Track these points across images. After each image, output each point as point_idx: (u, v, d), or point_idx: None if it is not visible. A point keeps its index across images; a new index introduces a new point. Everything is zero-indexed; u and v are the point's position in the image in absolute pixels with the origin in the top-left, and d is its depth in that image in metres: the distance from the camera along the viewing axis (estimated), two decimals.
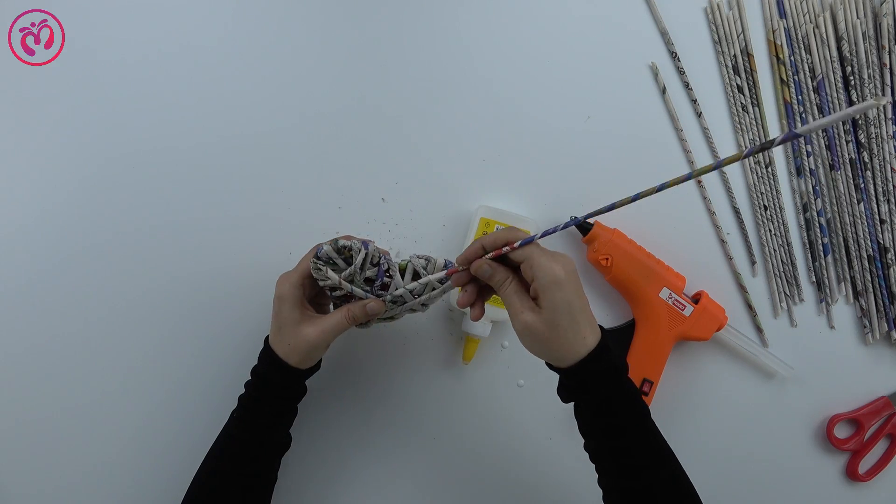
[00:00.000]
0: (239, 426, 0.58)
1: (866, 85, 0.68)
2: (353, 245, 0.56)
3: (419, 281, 0.57)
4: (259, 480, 0.58)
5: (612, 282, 0.68)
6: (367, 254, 0.56)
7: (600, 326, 0.52)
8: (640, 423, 0.51)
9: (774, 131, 0.71)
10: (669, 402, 0.70)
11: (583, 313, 0.50)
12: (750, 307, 0.71)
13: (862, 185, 0.70)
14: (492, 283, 0.53)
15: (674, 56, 0.70)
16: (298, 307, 0.56)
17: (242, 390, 0.59)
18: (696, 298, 0.68)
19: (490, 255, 0.52)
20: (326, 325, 0.55)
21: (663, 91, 0.70)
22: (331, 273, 0.55)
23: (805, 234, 0.71)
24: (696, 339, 0.67)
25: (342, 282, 0.56)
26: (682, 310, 0.66)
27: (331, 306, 0.62)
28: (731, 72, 0.70)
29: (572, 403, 0.53)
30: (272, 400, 0.57)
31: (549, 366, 0.53)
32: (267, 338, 0.59)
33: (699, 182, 0.70)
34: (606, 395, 0.50)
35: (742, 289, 0.71)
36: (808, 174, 0.70)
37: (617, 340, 0.68)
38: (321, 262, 0.56)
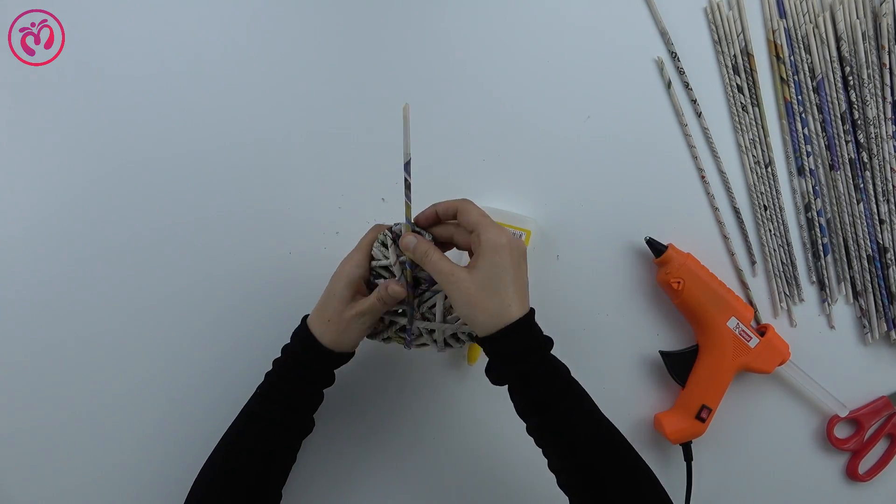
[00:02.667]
0: (262, 403, 0.57)
1: (865, 85, 0.69)
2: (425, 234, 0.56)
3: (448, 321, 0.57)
4: (278, 460, 0.57)
5: (679, 306, 0.68)
6: None
7: (531, 309, 0.53)
8: (565, 398, 0.52)
9: (774, 131, 0.71)
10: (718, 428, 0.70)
11: (514, 284, 0.51)
12: (751, 304, 0.71)
13: (861, 185, 0.70)
14: (415, 256, 0.54)
15: (674, 56, 0.70)
16: (352, 287, 0.55)
17: (247, 389, 0.58)
18: (761, 331, 0.68)
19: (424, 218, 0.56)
20: (360, 306, 0.55)
21: (668, 85, 0.70)
22: (391, 252, 0.55)
23: (805, 234, 0.71)
24: (758, 372, 0.68)
25: (395, 264, 0.55)
26: (748, 341, 0.67)
27: None
28: (731, 72, 0.70)
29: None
30: (298, 381, 0.57)
31: (476, 339, 0.54)
32: (305, 317, 0.58)
33: (703, 178, 0.70)
34: (525, 370, 0.51)
35: (744, 286, 0.71)
36: (808, 174, 0.70)
37: (679, 364, 0.68)
38: (390, 237, 0.56)
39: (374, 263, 0.57)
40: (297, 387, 0.57)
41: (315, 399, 0.59)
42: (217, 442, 0.58)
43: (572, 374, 0.54)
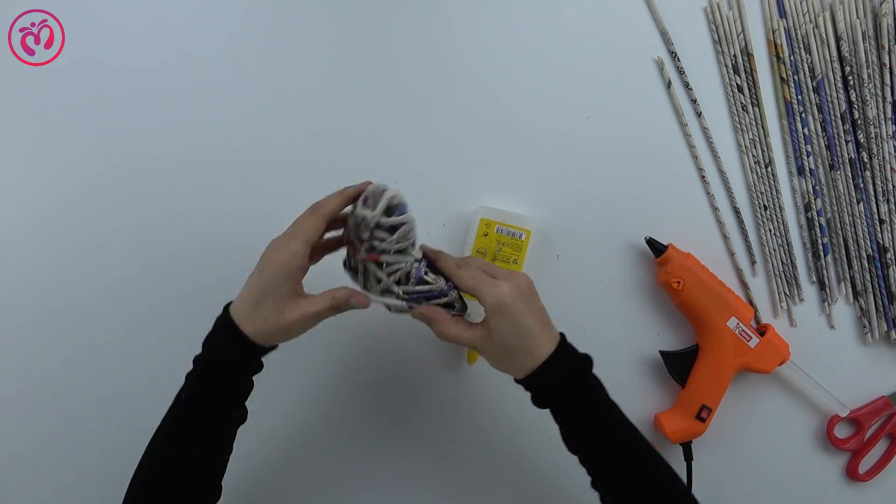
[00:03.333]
0: (190, 408, 0.52)
1: (865, 85, 0.68)
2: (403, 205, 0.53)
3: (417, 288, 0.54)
4: (212, 460, 0.54)
5: (680, 305, 0.68)
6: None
7: (561, 334, 0.54)
8: (604, 425, 0.53)
9: (774, 131, 0.71)
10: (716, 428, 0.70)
11: (534, 325, 0.52)
12: (751, 304, 0.71)
13: (861, 185, 0.70)
14: (432, 328, 0.54)
15: (674, 56, 0.70)
16: (290, 282, 0.50)
17: None
18: (761, 331, 0.68)
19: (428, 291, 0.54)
20: (308, 310, 0.51)
21: (668, 85, 0.70)
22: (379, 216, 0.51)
23: (805, 233, 0.71)
24: (758, 371, 0.68)
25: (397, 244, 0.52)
26: (748, 341, 0.67)
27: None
28: (731, 72, 0.70)
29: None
30: (227, 377, 0.52)
31: (515, 380, 0.55)
32: (227, 306, 0.52)
33: (703, 178, 0.70)
34: (566, 401, 0.52)
35: (744, 286, 0.71)
36: (808, 174, 0.70)
37: (679, 364, 0.69)
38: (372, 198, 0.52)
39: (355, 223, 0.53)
40: (225, 383, 0.52)
41: (246, 389, 0.54)
42: (142, 455, 0.54)
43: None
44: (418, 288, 0.54)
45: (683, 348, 0.69)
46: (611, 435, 0.53)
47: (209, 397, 0.52)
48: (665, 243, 0.68)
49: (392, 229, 0.52)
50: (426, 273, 0.54)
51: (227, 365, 0.52)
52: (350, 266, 0.57)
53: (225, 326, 0.51)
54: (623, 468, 0.52)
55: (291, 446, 0.68)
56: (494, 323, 0.51)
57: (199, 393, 0.52)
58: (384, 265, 0.53)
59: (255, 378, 0.55)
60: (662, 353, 0.69)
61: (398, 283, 0.54)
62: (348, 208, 0.54)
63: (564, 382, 0.52)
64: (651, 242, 0.68)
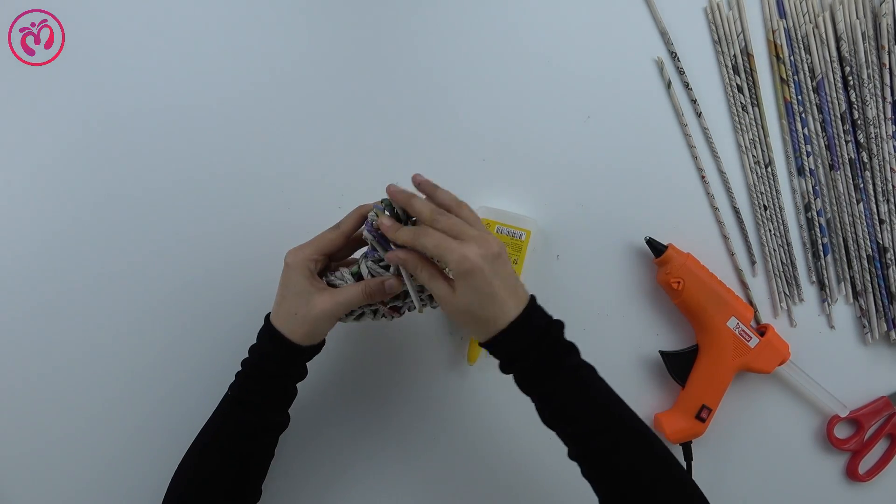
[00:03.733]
0: (234, 406, 0.56)
1: (865, 85, 0.68)
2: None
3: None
4: (254, 460, 0.57)
5: (680, 305, 0.68)
6: None
7: (531, 297, 0.53)
8: (571, 388, 0.51)
9: (774, 131, 0.71)
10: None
11: (498, 296, 0.50)
12: (751, 304, 0.71)
13: (861, 185, 0.70)
14: (407, 269, 0.54)
15: (673, 56, 0.70)
16: (309, 278, 0.55)
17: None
18: (761, 331, 0.68)
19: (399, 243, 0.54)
20: (341, 296, 0.54)
21: (668, 85, 0.70)
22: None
23: (805, 234, 0.71)
24: (758, 372, 0.68)
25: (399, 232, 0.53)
26: (748, 341, 0.67)
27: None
28: (731, 72, 0.70)
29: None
30: (270, 380, 0.56)
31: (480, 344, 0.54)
32: (268, 315, 0.57)
33: (703, 178, 0.70)
34: (528, 367, 0.51)
35: (744, 286, 0.71)
36: (808, 174, 0.70)
37: (679, 364, 0.69)
38: (381, 208, 0.55)
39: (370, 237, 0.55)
40: (269, 386, 0.56)
41: (288, 395, 0.58)
42: (190, 444, 0.58)
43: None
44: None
45: (683, 348, 0.69)
46: (580, 398, 0.51)
47: (254, 397, 0.56)
48: (665, 243, 0.68)
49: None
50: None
51: (268, 363, 0.56)
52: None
53: (265, 329, 0.57)
54: (594, 432, 0.51)
55: (290, 446, 0.68)
56: (459, 287, 0.51)
57: (244, 392, 0.56)
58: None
59: None
60: (662, 353, 0.69)
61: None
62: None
63: (526, 348, 0.51)
64: (651, 242, 0.68)
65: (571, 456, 0.52)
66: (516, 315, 0.51)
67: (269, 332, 0.56)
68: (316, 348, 0.58)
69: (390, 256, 0.54)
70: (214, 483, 0.55)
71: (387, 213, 0.55)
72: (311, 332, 0.55)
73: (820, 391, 0.70)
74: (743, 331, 0.67)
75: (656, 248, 0.68)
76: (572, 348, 0.53)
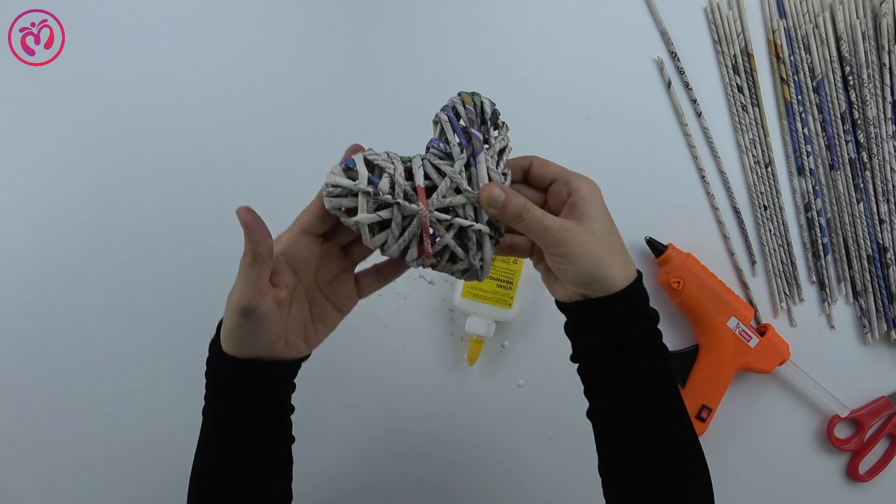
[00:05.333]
0: (217, 426, 0.46)
1: (865, 85, 0.68)
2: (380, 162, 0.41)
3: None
4: (260, 477, 0.46)
5: (680, 305, 0.68)
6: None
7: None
8: (664, 375, 0.45)
9: (774, 131, 0.71)
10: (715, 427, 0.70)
11: (622, 241, 0.43)
12: (751, 304, 0.70)
13: (861, 185, 0.70)
14: (505, 214, 0.41)
15: (674, 56, 0.70)
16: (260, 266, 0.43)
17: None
18: (761, 331, 0.68)
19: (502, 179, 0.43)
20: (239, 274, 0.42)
21: (668, 85, 0.70)
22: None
23: (805, 233, 0.71)
24: (758, 371, 0.68)
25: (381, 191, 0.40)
26: (748, 341, 0.67)
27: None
28: (731, 72, 0.70)
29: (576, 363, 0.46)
30: (236, 399, 0.44)
31: (566, 306, 0.45)
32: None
33: (703, 178, 0.70)
34: (635, 336, 0.43)
35: (744, 286, 0.71)
36: (808, 174, 0.70)
37: (679, 364, 0.69)
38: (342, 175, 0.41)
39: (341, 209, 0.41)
40: (236, 406, 0.44)
41: (266, 418, 0.45)
42: (190, 476, 0.47)
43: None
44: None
45: (683, 348, 0.69)
46: (665, 388, 0.45)
47: (228, 411, 0.45)
48: (665, 243, 0.68)
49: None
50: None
51: (217, 377, 0.45)
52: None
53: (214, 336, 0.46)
54: (663, 423, 0.44)
55: None
56: (590, 210, 0.42)
57: (215, 414, 0.46)
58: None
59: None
60: None
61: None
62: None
63: (643, 313, 0.44)
64: (651, 242, 0.68)
65: (608, 448, 0.45)
66: (635, 274, 0.43)
67: (214, 336, 0.46)
68: (268, 368, 0.44)
69: (487, 190, 0.40)
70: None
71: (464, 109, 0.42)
72: (226, 336, 0.43)
73: (820, 391, 0.70)
74: (743, 331, 0.67)
75: (656, 248, 0.68)
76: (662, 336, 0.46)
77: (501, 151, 0.43)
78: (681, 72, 0.70)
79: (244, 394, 0.44)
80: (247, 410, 0.44)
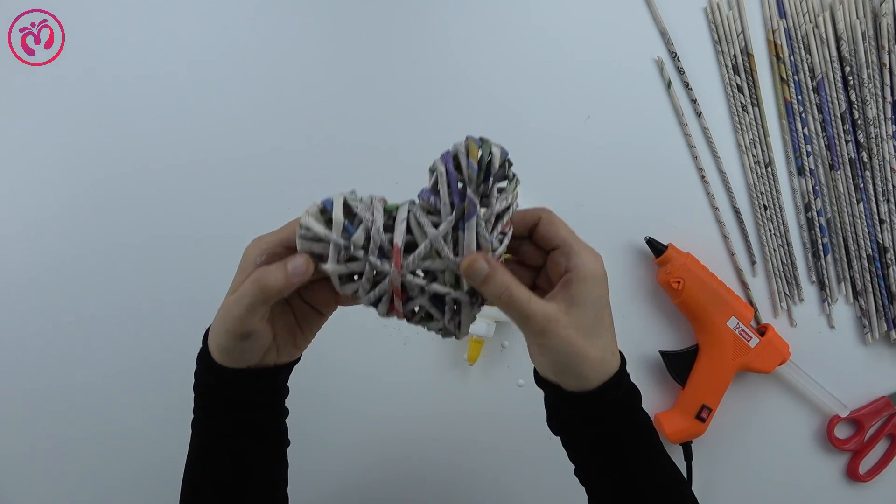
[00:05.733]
0: (204, 438, 0.45)
1: (865, 85, 0.68)
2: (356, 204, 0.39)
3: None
4: (269, 479, 0.46)
5: (680, 305, 0.68)
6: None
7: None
8: (650, 461, 0.42)
9: (774, 131, 0.71)
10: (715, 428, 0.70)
11: (609, 322, 0.41)
12: (751, 304, 0.70)
13: (861, 185, 0.70)
14: (488, 288, 0.38)
15: (673, 56, 0.70)
16: (247, 271, 0.41)
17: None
18: (761, 331, 0.69)
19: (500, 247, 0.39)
20: (229, 300, 0.40)
21: (668, 85, 0.70)
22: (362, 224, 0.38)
23: (805, 233, 0.71)
24: (758, 371, 0.68)
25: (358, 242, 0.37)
26: (748, 341, 0.67)
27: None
28: (731, 71, 0.70)
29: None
30: (225, 408, 0.44)
31: (552, 392, 0.43)
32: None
33: (703, 178, 0.70)
34: (617, 429, 0.41)
35: (744, 286, 0.71)
36: (808, 174, 0.70)
37: (679, 364, 0.69)
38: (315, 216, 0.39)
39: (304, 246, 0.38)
40: (225, 414, 0.44)
41: (267, 416, 0.46)
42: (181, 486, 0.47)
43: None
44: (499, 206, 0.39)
45: (683, 348, 0.69)
46: (651, 475, 0.42)
47: (217, 423, 0.45)
48: (665, 243, 0.68)
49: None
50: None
51: (208, 390, 0.45)
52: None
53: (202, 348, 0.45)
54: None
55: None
56: (581, 294, 0.38)
57: (204, 422, 0.45)
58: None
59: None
60: (662, 352, 0.69)
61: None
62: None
63: (625, 402, 0.42)
64: (651, 242, 0.68)
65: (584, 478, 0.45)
66: (619, 366, 0.41)
67: (201, 348, 0.45)
68: (260, 375, 0.44)
69: (469, 261, 0.37)
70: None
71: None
72: (221, 350, 0.42)
73: (820, 391, 0.70)
74: (743, 331, 0.67)
75: (656, 248, 0.68)
76: (648, 417, 0.44)
77: (502, 213, 0.39)
78: (681, 72, 0.70)
79: (240, 404, 0.43)
80: (242, 421, 0.44)
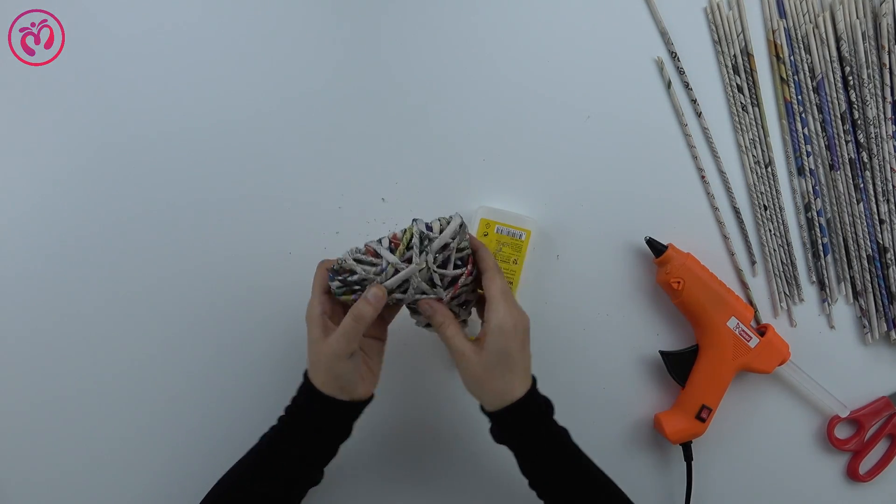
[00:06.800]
0: (269, 449, 0.56)
1: (865, 85, 0.69)
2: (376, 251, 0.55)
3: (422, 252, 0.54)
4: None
5: (680, 306, 0.68)
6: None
7: (533, 378, 0.56)
8: (565, 467, 0.55)
9: (774, 131, 0.71)
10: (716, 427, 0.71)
11: (519, 365, 0.54)
12: (751, 304, 0.71)
13: (861, 185, 0.70)
14: (432, 322, 0.55)
15: (674, 56, 0.70)
16: (320, 325, 0.54)
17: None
18: (761, 331, 0.68)
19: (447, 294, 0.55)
20: (334, 335, 0.53)
21: (668, 85, 0.70)
22: (352, 263, 0.54)
23: (805, 234, 0.71)
24: (758, 372, 0.68)
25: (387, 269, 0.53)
26: (748, 341, 0.66)
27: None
28: (731, 72, 0.70)
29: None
30: (305, 432, 0.55)
31: (481, 408, 0.56)
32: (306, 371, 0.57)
33: (703, 178, 0.70)
34: (530, 442, 0.55)
35: (744, 286, 0.71)
36: (808, 174, 0.70)
37: (679, 364, 0.68)
38: (340, 264, 0.54)
39: (351, 278, 0.54)
40: (304, 438, 0.55)
41: (327, 453, 0.57)
42: (221, 476, 0.57)
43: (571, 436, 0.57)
44: (454, 272, 0.56)
45: (683, 348, 0.69)
46: (573, 474, 0.55)
47: (289, 447, 0.55)
48: (665, 243, 0.68)
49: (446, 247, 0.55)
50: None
51: (300, 415, 0.56)
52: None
53: (302, 385, 0.57)
54: (574, 496, 0.55)
55: None
56: (490, 343, 0.52)
57: (282, 439, 0.56)
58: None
59: None
60: (662, 352, 0.69)
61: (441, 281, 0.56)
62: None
63: (532, 422, 0.55)
64: (651, 242, 0.68)
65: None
66: (523, 393, 0.54)
67: (304, 385, 0.56)
68: (355, 406, 0.56)
69: (423, 305, 0.55)
70: None
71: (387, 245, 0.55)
72: (330, 378, 0.54)
73: (820, 391, 0.70)
74: (743, 331, 0.66)
75: (656, 248, 0.68)
76: (565, 430, 0.57)
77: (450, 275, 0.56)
78: (681, 72, 0.70)
79: (325, 430, 0.56)
80: (317, 446, 0.56)
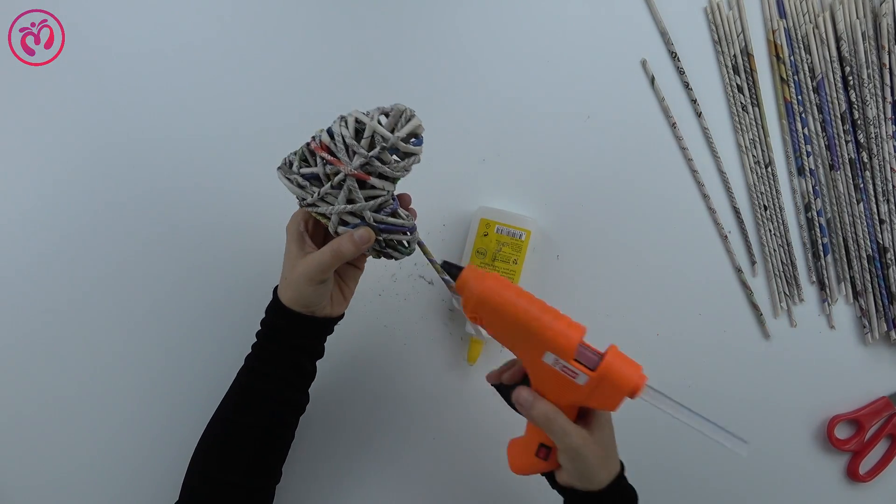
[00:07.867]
0: (250, 375, 0.56)
1: (865, 85, 0.69)
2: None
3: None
4: (275, 434, 0.56)
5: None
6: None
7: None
8: None
9: (774, 131, 0.71)
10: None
11: (614, 444, 0.54)
12: (753, 305, 0.71)
13: (861, 185, 0.70)
14: (534, 418, 0.52)
15: (673, 56, 0.70)
16: (298, 241, 0.54)
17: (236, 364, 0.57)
18: (600, 358, 0.50)
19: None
20: (313, 259, 0.52)
21: (652, 81, 0.70)
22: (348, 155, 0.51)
23: (805, 234, 0.71)
24: (600, 409, 0.53)
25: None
26: (574, 377, 0.49)
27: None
28: (731, 72, 0.70)
29: None
30: (279, 349, 0.55)
31: (570, 495, 0.54)
32: (276, 287, 0.56)
33: (701, 181, 0.70)
34: None
35: (744, 286, 0.71)
36: (808, 174, 0.70)
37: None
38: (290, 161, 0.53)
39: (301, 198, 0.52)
40: (280, 356, 0.55)
41: (304, 371, 0.57)
42: (211, 416, 0.56)
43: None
44: (389, 220, 0.52)
45: (518, 381, 0.55)
46: None
47: (267, 367, 0.55)
48: (462, 265, 0.52)
49: (404, 156, 0.52)
50: (398, 208, 0.53)
51: (272, 332, 0.55)
52: (314, 177, 0.53)
53: (271, 302, 0.56)
54: None
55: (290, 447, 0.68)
56: (602, 421, 0.52)
57: (258, 361, 0.56)
58: (368, 187, 0.51)
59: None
60: (495, 385, 0.57)
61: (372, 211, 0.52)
62: (352, 118, 0.53)
63: (625, 496, 0.54)
64: (446, 265, 0.53)
65: None
66: (619, 469, 0.54)
67: (272, 301, 0.56)
68: (323, 322, 0.56)
69: (519, 396, 0.52)
70: (236, 457, 0.54)
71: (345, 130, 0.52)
72: (298, 297, 0.53)
73: (710, 429, 0.53)
74: (565, 367, 0.49)
75: (451, 272, 0.52)
76: None
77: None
78: (680, 72, 0.70)
79: (299, 347, 0.55)
80: (295, 366, 0.56)
